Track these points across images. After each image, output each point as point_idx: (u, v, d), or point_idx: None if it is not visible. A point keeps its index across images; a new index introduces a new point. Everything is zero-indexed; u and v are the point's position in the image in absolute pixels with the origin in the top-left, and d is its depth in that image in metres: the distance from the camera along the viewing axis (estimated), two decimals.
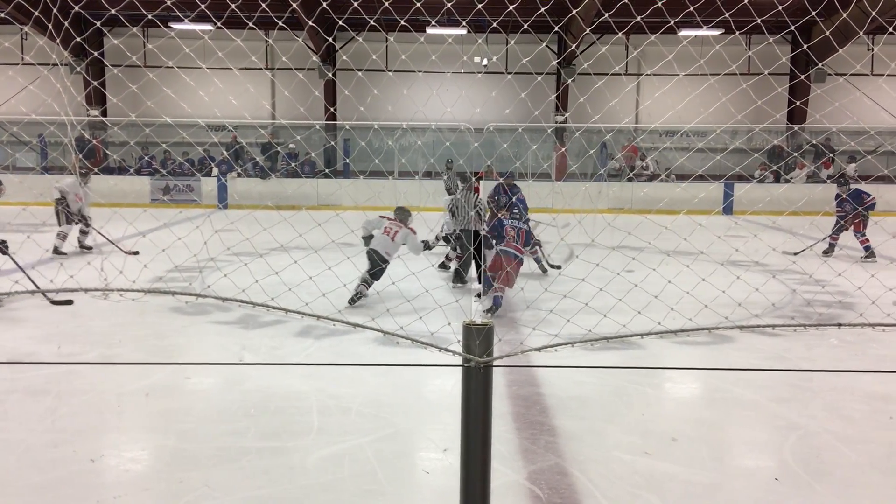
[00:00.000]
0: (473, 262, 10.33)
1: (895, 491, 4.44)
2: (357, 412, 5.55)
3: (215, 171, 22.19)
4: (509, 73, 22.24)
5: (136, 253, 11.71)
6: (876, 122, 22.75)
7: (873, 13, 17.22)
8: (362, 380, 6.28)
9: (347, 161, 23.71)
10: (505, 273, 8.75)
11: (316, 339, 7.55)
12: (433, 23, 18.37)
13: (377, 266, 9.08)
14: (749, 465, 4.93)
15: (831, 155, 22.27)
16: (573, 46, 22.18)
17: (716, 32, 19.61)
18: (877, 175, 20.35)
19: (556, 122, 23.58)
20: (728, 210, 20.63)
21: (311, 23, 13.78)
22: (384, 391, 6.03)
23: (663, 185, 20.19)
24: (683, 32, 18.74)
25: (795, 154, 22.59)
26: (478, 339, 1.95)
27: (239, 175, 21.82)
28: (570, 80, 22.32)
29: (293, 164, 22.71)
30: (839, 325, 2.61)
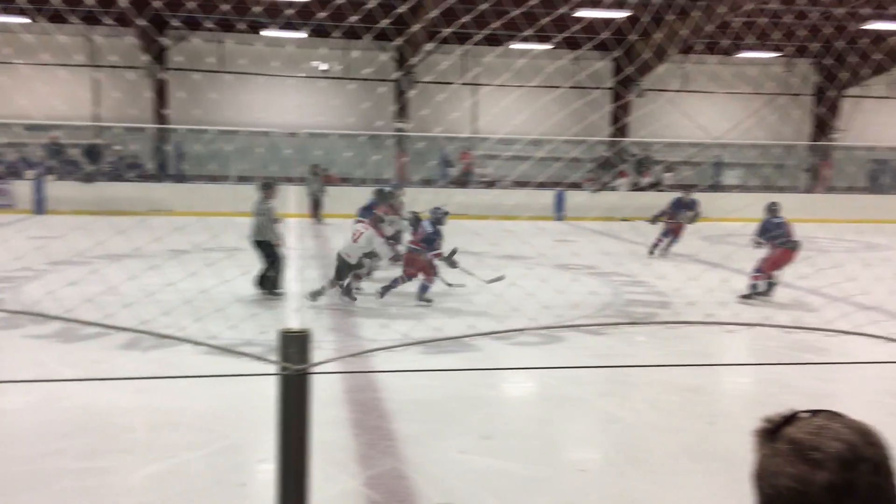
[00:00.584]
0: (273, 270, 9.58)
1: (703, 475, 4.82)
2: (188, 426, 5.34)
3: (30, 173, 20.54)
4: (354, 79, 22.20)
5: None
6: (689, 135, 24.64)
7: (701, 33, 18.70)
8: (194, 392, 6.04)
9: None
10: (421, 267, 9.52)
11: (143, 352, 7.16)
12: (275, 25, 18.03)
13: (340, 266, 9.37)
14: (576, 457, 5.20)
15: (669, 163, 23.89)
16: (433, 54, 22.49)
17: (545, 48, 20.52)
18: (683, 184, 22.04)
19: (397, 130, 23.80)
20: (560, 216, 21.60)
21: (138, 21, 13.11)
22: (217, 403, 5.83)
23: (502, 191, 20.86)
24: (514, 46, 19.48)
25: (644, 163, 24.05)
26: (294, 347, 1.94)
27: (56, 178, 20.31)
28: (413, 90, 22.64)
29: (117, 168, 21.46)
30: (687, 322, 2.81)
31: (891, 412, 5.72)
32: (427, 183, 23.26)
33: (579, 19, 12.50)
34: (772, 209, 10.56)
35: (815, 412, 1.09)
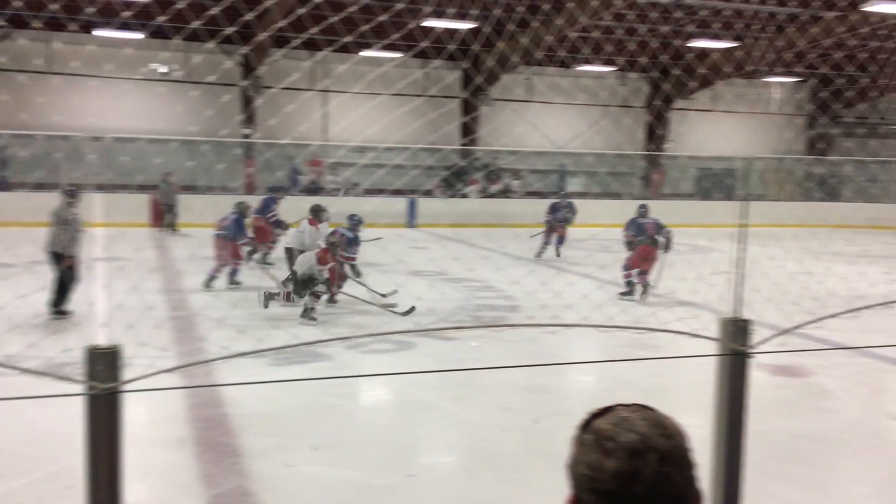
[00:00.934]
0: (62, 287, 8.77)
1: (549, 472, 4.98)
2: (12, 453, 4.92)
3: None
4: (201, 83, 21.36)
5: None
6: (535, 144, 25.54)
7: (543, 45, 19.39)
8: (21, 415, 5.58)
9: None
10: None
11: None
12: (110, 26, 17.06)
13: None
14: (426, 462, 5.24)
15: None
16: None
17: (396, 56, 20.66)
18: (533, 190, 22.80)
19: (244, 138, 23.17)
20: (412, 223, 21.76)
21: None
22: (47, 426, 5.41)
23: (354, 199, 20.77)
24: (365, 54, 19.47)
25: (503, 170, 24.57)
26: (101, 364, 1.82)
27: None
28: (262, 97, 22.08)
29: None
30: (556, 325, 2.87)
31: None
32: (275, 192, 22.77)
33: (427, 29, 12.68)
34: (640, 210, 11.45)
35: (629, 406, 1.15)
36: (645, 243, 10.79)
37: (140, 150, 19.80)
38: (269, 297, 9.54)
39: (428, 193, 22.85)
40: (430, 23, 13.94)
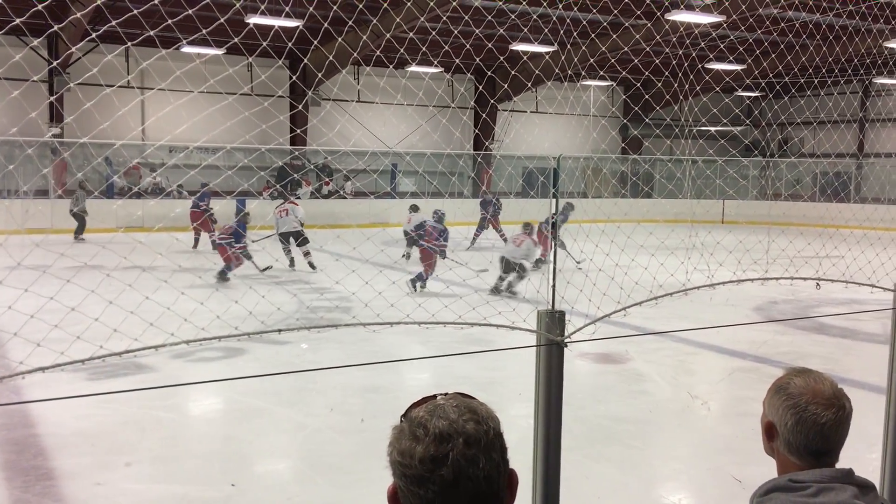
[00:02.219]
0: None
1: (382, 472, 5.00)
2: None
3: None
4: None
5: None
6: (366, 144, 25.57)
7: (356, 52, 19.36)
8: None
9: None
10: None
11: None
12: None
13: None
14: (261, 471, 5.11)
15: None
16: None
17: (219, 52, 19.93)
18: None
19: (50, 135, 21.52)
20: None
21: None
22: None
23: (173, 200, 19.85)
24: (186, 49, 18.69)
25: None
26: None
27: None
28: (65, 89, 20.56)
29: None
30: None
31: None
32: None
33: (253, 26, 12.32)
34: (434, 214, 12.86)
35: (448, 395, 1.20)
36: (424, 247, 12.18)
37: None
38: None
39: (256, 195, 22.27)
40: (255, 20, 13.58)
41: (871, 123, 30.79)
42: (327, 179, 24.59)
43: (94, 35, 18.35)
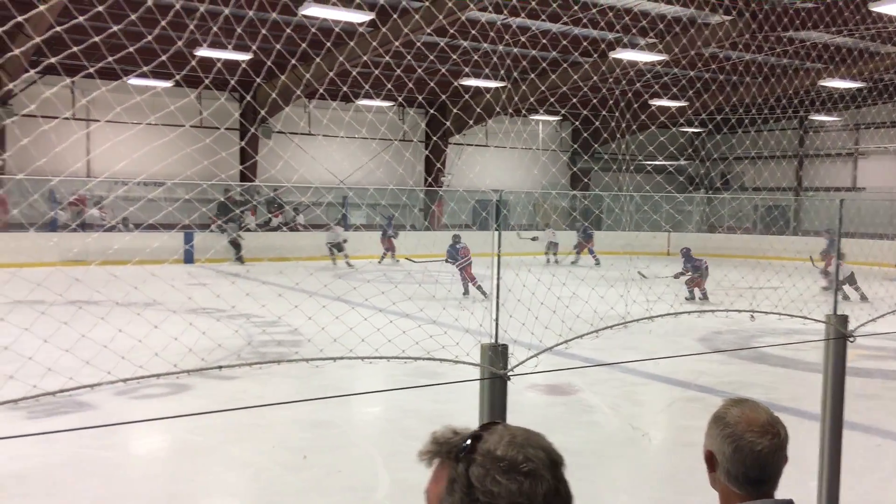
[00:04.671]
0: None
1: (335, 499, 4.95)
2: None
3: None
4: None
5: None
6: (317, 177, 25.51)
7: (307, 76, 19.38)
8: None
9: None
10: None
11: None
12: None
13: None
14: None
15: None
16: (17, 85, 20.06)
17: (166, 84, 19.79)
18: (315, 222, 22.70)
19: None
20: (189, 259, 20.82)
21: None
22: None
23: (118, 234, 19.48)
24: (133, 81, 18.51)
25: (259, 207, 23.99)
26: None
27: None
28: (9, 120, 20.12)
29: None
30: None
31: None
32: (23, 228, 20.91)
33: (203, 60, 12.27)
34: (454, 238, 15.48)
35: (485, 426, 1.16)
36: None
37: None
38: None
39: (204, 227, 22.03)
40: (204, 52, 13.54)
41: (809, 158, 31.87)
42: (276, 212, 24.44)
43: (33, 71, 18.06)
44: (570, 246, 22.96)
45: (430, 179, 27.31)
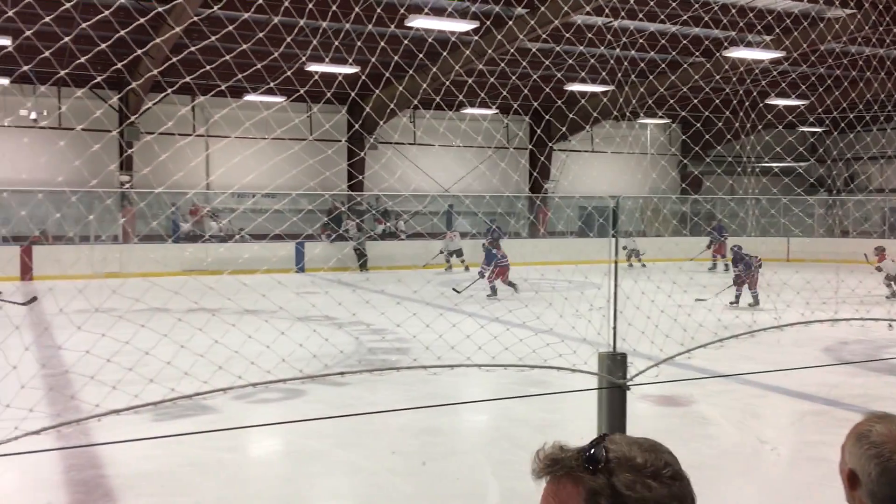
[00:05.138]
0: None
1: None
2: None
3: None
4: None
5: None
6: (421, 187, 25.84)
7: (401, 89, 19.64)
8: None
9: None
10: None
11: None
12: None
13: None
14: None
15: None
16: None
17: (278, 100, 20.48)
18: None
19: (123, 185, 22.33)
20: (301, 268, 21.46)
21: None
22: None
23: (238, 244, 20.29)
24: (248, 98, 19.26)
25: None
26: None
27: None
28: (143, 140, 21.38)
29: None
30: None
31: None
32: (151, 239, 22.07)
33: (309, 74, 12.67)
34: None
35: (602, 437, 1.15)
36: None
37: (3, 201, 18.74)
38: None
39: (311, 237, 22.68)
40: (312, 67, 13.93)
41: None
42: (380, 218, 24.99)
43: (161, 91, 19.03)
44: (651, 251, 22.27)
45: (545, 186, 27.15)
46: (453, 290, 15.42)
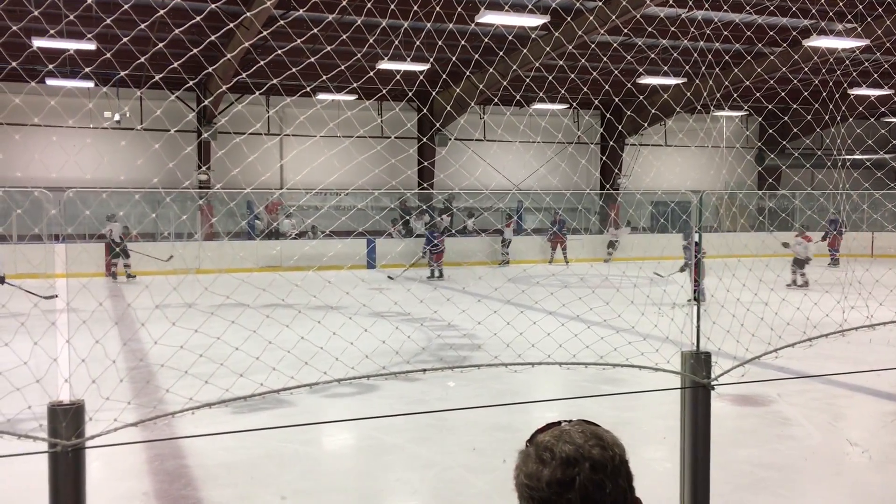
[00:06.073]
0: None
1: None
2: None
3: None
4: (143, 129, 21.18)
5: None
6: (491, 183, 25.80)
7: (481, 86, 19.63)
8: None
9: None
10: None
11: None
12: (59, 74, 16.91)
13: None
14: None
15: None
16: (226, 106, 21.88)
17: (349, 98, 20.77)
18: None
19: (201, 184, 23.00)
20: (372, 264, 21.70)
21: None
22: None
23: (322, 241, 20.67)
24: (321, 96, 19.57)
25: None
26: (65, 420, 1.77)
27: None
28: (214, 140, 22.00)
29: None
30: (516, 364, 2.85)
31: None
32: (236, 236, 22.63)
33: (383, 72, 12.80)
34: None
35: (572, 421, 1.20)
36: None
37: (102, 202, 19.51)
38: None
39: (380, 234, 22.94)
40: (385, 65, 14.08)
41: None
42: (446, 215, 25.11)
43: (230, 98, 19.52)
44: (737, 248, 21.67)
45: (615, 179, 26.79)
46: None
